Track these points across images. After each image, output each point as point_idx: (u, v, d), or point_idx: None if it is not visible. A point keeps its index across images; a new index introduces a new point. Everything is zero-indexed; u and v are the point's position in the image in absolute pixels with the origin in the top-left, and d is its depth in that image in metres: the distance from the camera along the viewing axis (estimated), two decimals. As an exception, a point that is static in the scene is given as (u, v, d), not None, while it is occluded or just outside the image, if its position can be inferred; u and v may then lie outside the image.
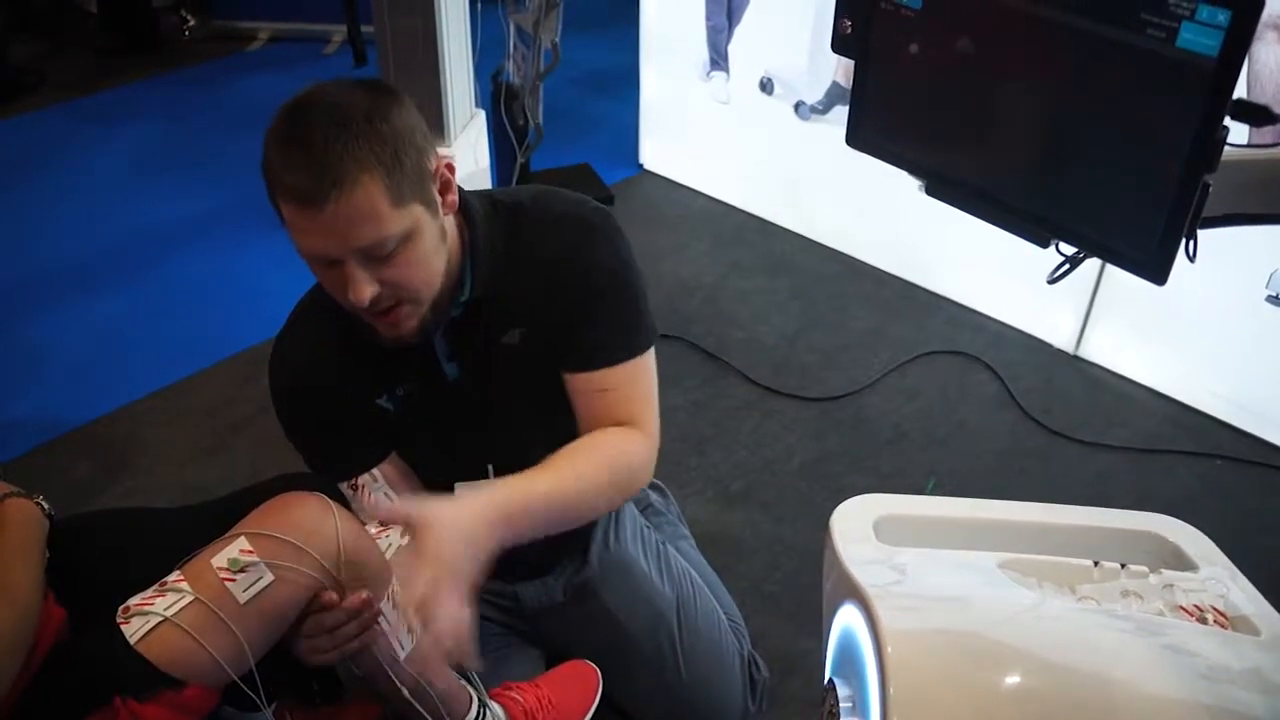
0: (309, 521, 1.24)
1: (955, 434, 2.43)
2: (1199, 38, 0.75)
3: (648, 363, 1.45)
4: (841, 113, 2.92)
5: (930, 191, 0.99)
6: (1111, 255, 0.87)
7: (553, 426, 1.48)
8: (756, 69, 3.09)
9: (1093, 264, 2.44)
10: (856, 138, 1.02)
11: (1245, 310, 2.33)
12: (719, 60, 3.17)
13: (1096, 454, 2.38)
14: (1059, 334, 2.70)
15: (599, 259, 1.40)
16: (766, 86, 3.08)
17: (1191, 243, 0.84)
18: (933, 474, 2.31)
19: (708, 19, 3.13)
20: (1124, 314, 2.57)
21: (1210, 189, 0.79)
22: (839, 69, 2.91)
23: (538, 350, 1.43)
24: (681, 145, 3.45)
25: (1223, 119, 0.77)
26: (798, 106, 3.02)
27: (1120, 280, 2.52)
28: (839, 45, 1.00)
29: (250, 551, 1.20)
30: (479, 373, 1.45)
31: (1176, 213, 0.81)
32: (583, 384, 1.43)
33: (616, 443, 1.39)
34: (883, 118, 1.00)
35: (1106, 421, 2.47)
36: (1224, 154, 0.78)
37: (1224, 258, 2.13)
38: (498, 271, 1.38)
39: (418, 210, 1.23)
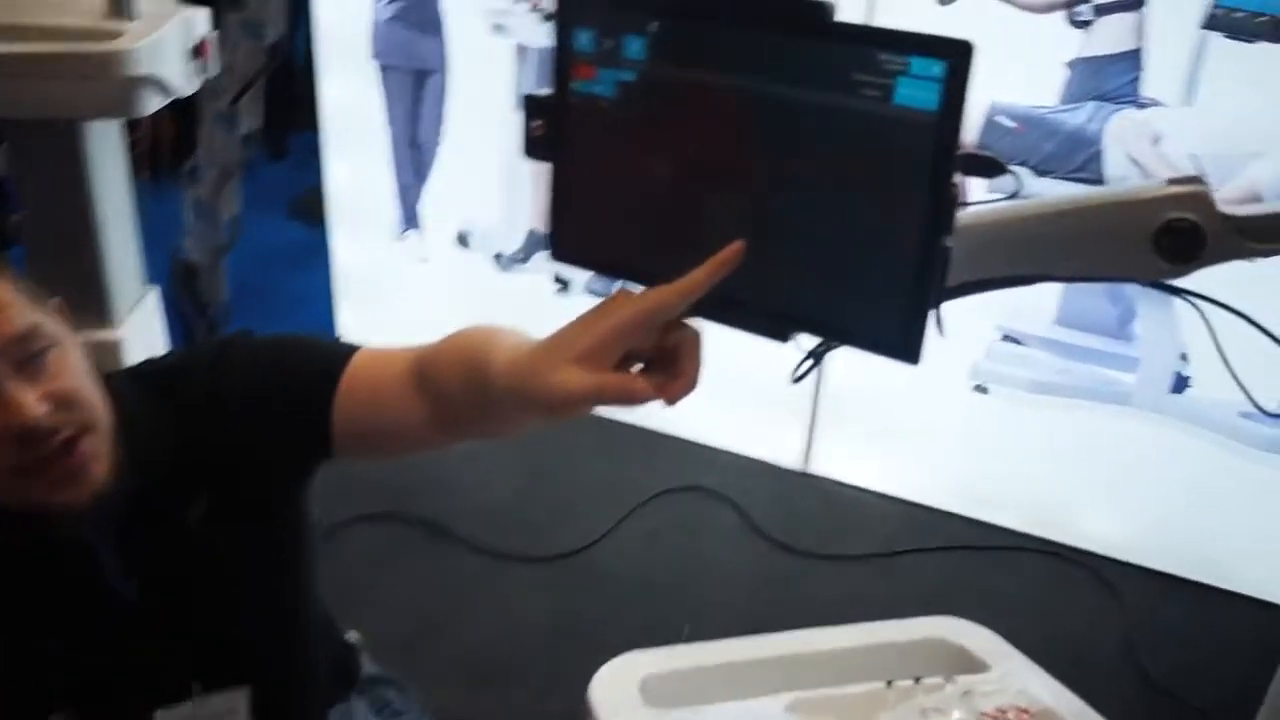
0: None
1: (704, 573, 2.35)
2: (917, 92, 0.70)
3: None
4: (544, 260, 2.88)
5: (651, 300, 0.88)
6: (857, 339, 0.79)
7: (269, 604, 1.24)
8: (453, 223, 3.01)
9: (810, 378, 2.47)
10: (560, 249, 0.90)
11: (955, 402, 2.41)
12: (412, 218, 3.07)
13: (845, 567, 2.36)
14: (786, 453, 2.70)
15: (243, 354, 1.19)
16: (465, 240, 3.00)
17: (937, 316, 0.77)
18: (687, 623, 2.19)
19: (396, 178, 3.04)
20: (844, 422, 2.61)
21: (951, 252, 0.72)
22: (535, 216, 2.88)
23: (233, 507, 1.18)
24: (382, 310, 3.29)
25: (952, 175, 0.71)
26: (498, 257, 2.96)
27: (837, 388, 2.56)
28: (531, 149, 0.89)
29: None
30: (170, 573, 1.18)
31: (919, 284, 0.74)
32: (346, 389, 1.16)
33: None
34: (587, 223, 0.89)
35: (846, 533, 2.47)
36: (961, 215, 0.72)
37: (929, 352, 2.20)
38: (157, 442, 1.16)
39: (56, 324, 1.05)
